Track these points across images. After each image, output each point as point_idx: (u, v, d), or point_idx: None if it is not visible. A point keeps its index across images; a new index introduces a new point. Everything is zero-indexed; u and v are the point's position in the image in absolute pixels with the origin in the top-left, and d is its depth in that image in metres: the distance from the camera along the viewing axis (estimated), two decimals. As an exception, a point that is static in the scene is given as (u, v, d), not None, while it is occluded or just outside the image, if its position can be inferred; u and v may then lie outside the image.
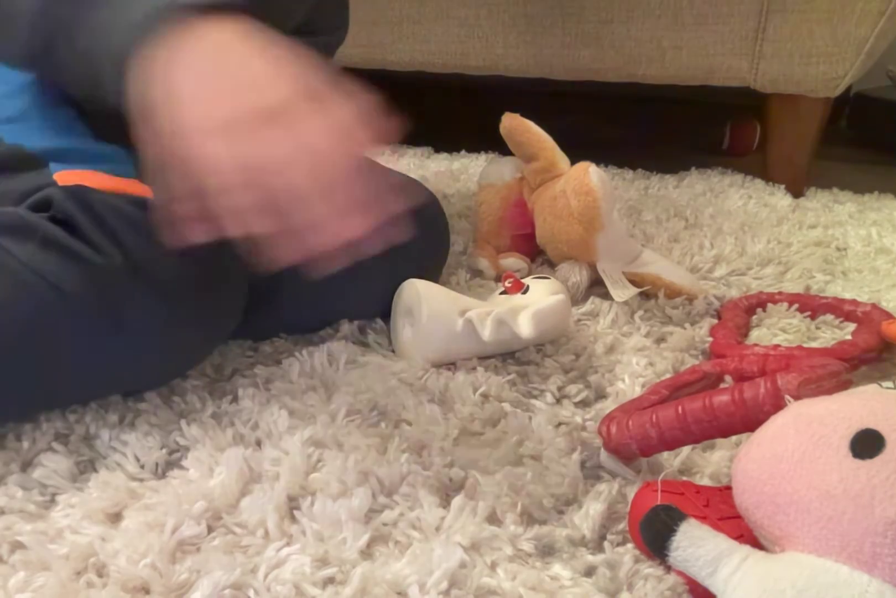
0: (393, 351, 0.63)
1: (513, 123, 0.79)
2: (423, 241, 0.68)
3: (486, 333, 0.58)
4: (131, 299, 0.49)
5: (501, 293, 0.67)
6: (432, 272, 0.70)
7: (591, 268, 0.75)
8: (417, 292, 0.61)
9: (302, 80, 0.41)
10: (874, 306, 0.69)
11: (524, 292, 0.65)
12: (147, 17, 0.43)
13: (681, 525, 0.37)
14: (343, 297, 0.65)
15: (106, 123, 0.56)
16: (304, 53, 0.42)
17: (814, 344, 0.66)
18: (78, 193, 0.50)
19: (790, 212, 1.00)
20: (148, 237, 0.49)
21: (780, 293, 0.74)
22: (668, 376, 0.59)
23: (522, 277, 0.80)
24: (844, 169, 1.27)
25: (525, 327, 0.58)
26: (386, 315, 0.66)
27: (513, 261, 0.80)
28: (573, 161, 0.79)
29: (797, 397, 0.40)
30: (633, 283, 0.74)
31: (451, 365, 0.61)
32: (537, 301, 0.61)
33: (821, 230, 0.93)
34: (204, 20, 0.42)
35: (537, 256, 0.83)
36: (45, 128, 0.57)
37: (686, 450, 0.50)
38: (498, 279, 0.78)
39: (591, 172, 0.72)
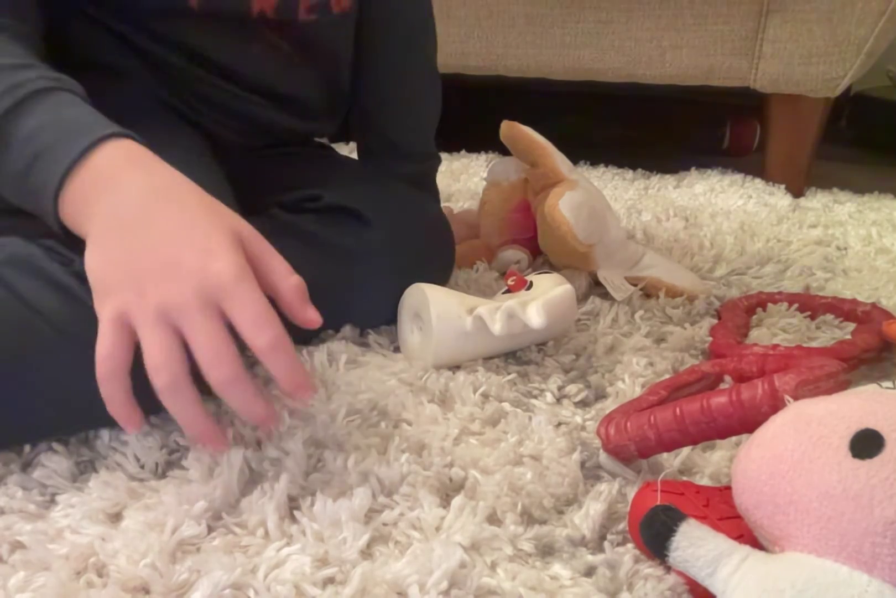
0: (393, 351, 0.63)
1: (511, 131, 0.77)
2: (429, 249, 0.68)
3: (497, 327, 0.57)
4: None
5: (504, 292, 0.67)
6: (439, 281, 0.69)
7: (592, 274, 0.76)
8: (423, 295, 0.60)
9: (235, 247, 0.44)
10: (874, 305, 0.69)
11: (528, 289, 0.65)
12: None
13: (681, 525, 0.37)
14: (347, 306, 0.64)
15: None
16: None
17: (814, 344, 0.66)
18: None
19: (790, 212, 1.00)
20: None
21: (779, 293, 0.74)
22: (667, 376, 0.59)
23: (522, 269, 0.79)
24: (844, 169, 1.27)
25: (535, 317, 0.57)
26: (391, 323, 0.65)
27: (511, 252, 0.80)
28: (573, 161, 0.79)
29: (795, 398, 0.40)
30: (635, 286, 0.74)
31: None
32: (544, 293, 0.61)
33: (821, 230, 0.93)
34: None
35: (538, 255, 0.83)
36: None
37: (686, 450, 0.50)
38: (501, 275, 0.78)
39: (560, 205, 0.71)
